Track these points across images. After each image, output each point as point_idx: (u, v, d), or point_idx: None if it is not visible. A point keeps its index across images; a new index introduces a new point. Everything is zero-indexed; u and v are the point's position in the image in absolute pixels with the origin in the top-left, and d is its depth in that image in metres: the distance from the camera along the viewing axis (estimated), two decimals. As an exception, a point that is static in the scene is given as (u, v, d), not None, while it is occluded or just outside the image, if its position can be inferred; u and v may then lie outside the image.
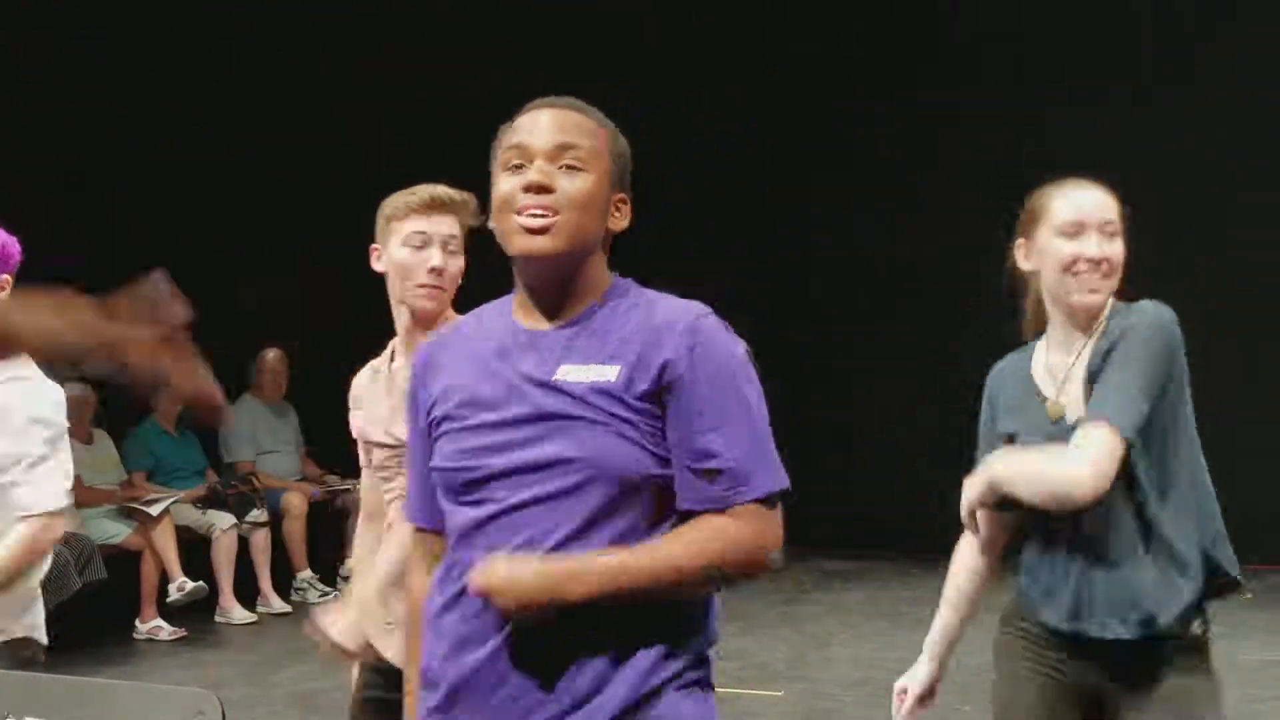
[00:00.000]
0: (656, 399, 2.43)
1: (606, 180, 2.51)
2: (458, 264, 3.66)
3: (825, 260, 11.49)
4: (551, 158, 2.47)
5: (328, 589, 9.97)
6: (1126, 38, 10.42)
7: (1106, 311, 3.34)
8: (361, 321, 11.29)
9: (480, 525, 2.46)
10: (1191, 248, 9.52)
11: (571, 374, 2.45)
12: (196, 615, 9.18)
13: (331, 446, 10.69)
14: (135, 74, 9.64)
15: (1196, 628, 3.47)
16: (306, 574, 10.01)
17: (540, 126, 2.50)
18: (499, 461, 2.45)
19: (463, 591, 2.45)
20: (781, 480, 2.46)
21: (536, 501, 2.42)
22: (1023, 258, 3.43)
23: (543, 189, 2.45)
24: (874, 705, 6.97)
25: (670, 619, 2.47)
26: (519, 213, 2.46)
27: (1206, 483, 3.44)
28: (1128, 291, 3.38)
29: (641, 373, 2.43)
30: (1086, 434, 3.17)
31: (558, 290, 2.51)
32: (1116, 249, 3.32)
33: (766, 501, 2.44)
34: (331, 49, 10.70)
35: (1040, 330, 3.49)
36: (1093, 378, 3.26)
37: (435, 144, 11.40)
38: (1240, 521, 9.68)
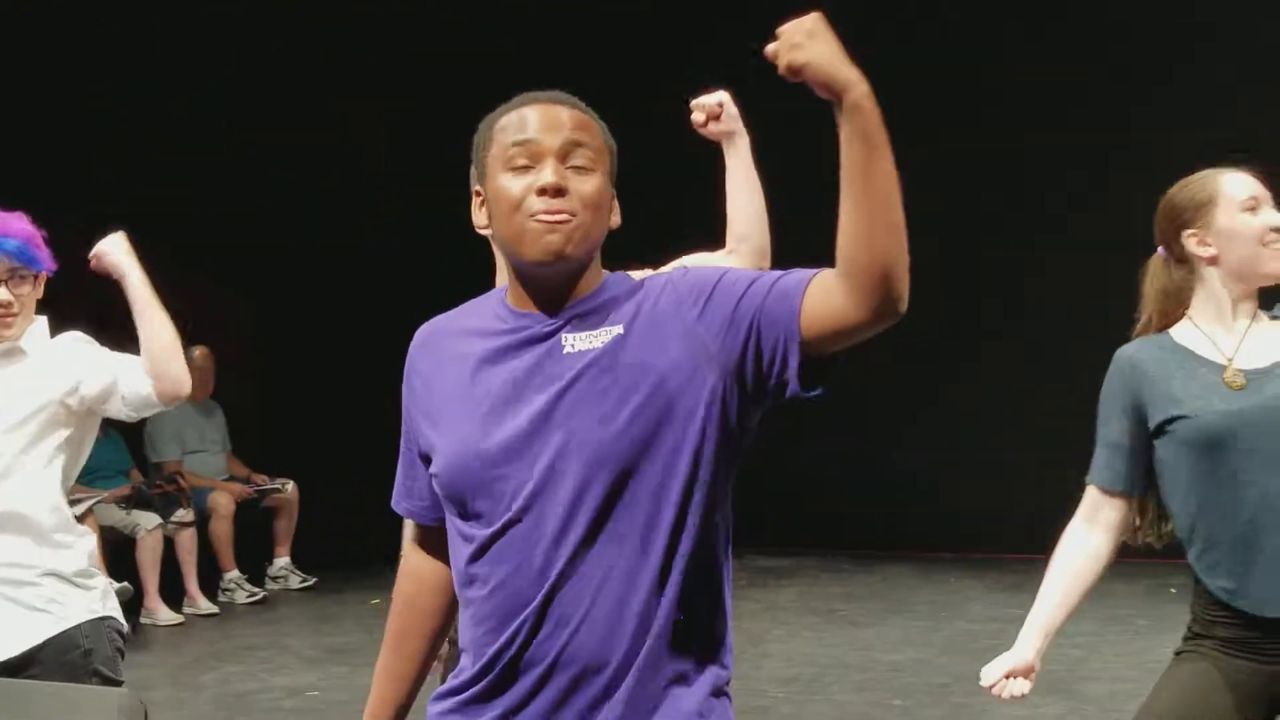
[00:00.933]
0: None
1: (608, 179, 2.43)
2: None
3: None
4: (562, 157, 2.37)
5: (255, 589, 9.89)
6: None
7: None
8: (286, 320, 11.23)
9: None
10: None
11: (577, 342, 2.39)
12: (122, 617, 9.06)
13: (257, 446, 10.64)
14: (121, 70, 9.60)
15: None
16: (234, 574, 9.92)
17: (548, 123, 2.39)
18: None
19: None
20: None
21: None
22: (1196, 245, 3.48)
23: (559, 191, 2.35)
24: (806, 702, 6.99)
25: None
26: (533, 216, 2.35)
27: None
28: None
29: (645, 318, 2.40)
30: None
31: (562, 293, 2.42)
32: None
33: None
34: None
35: (1163, 326, 3.56)
36: None
37: (418, 149, 11.31)
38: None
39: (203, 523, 9.81)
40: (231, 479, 10.33)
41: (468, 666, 2.45)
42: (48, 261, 4.02)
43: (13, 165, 7.99)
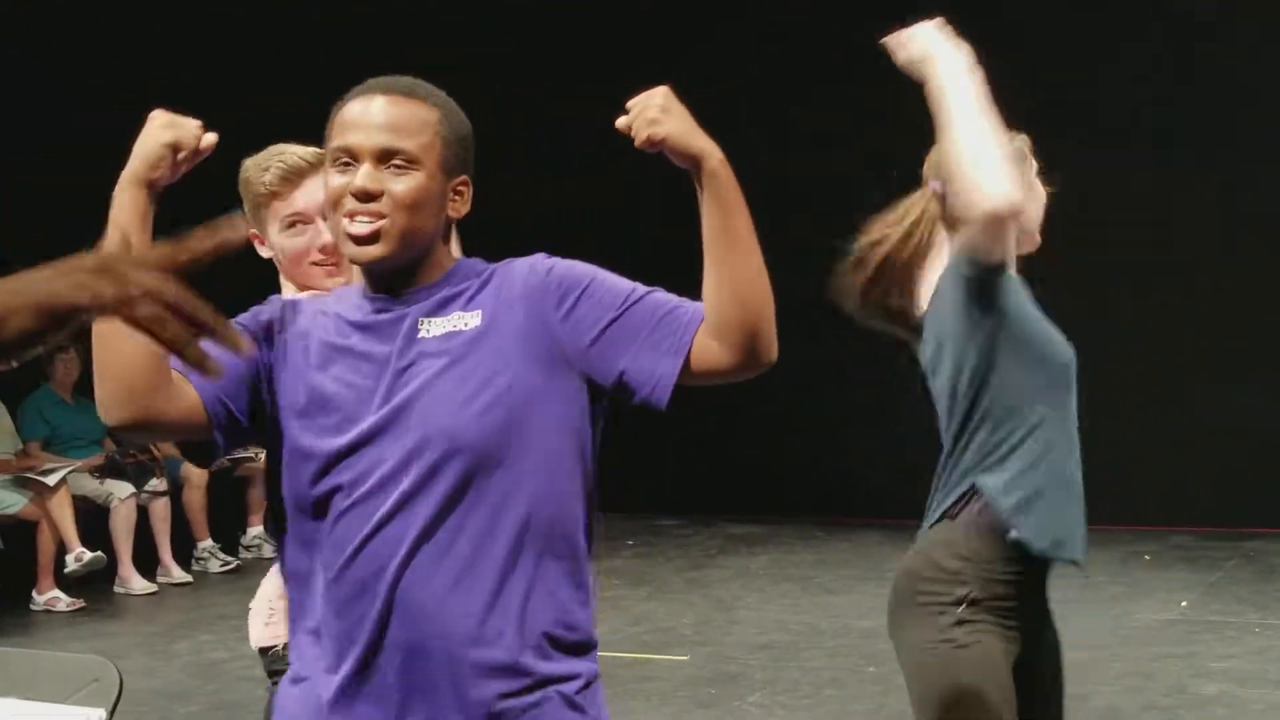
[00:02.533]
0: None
1: (439, 172, 2.40)
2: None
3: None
4: (379, 160, 2.37)
5: (229, 558, 9.87)
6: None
7: None
8: (257, 291, 11.17)
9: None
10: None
11: (432, 328, 2.40)
12: (95, 586, 9.06)
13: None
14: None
15: None
16: (207, 543, 9.91)
17: (367, 124, 2.39)
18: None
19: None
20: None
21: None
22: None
23: (369, 195, 2.36)
24: (779, 669, 7.01)
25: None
26: (349, 217, 2.37)
27: None
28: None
29: (505, 309, 2.40)
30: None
31: (400, 282, 2.43)
32: None
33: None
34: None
35: None
36: None
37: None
38: (1140, 484, 9.79)
39: (176, 492, 9.79)
40: (204, 448, 10.30)
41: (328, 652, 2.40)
42: None
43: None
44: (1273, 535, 9.81)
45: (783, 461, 11.05)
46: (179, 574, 9.51)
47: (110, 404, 2.34)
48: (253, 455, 10.18)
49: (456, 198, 2.45)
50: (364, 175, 2.36)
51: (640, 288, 2.41)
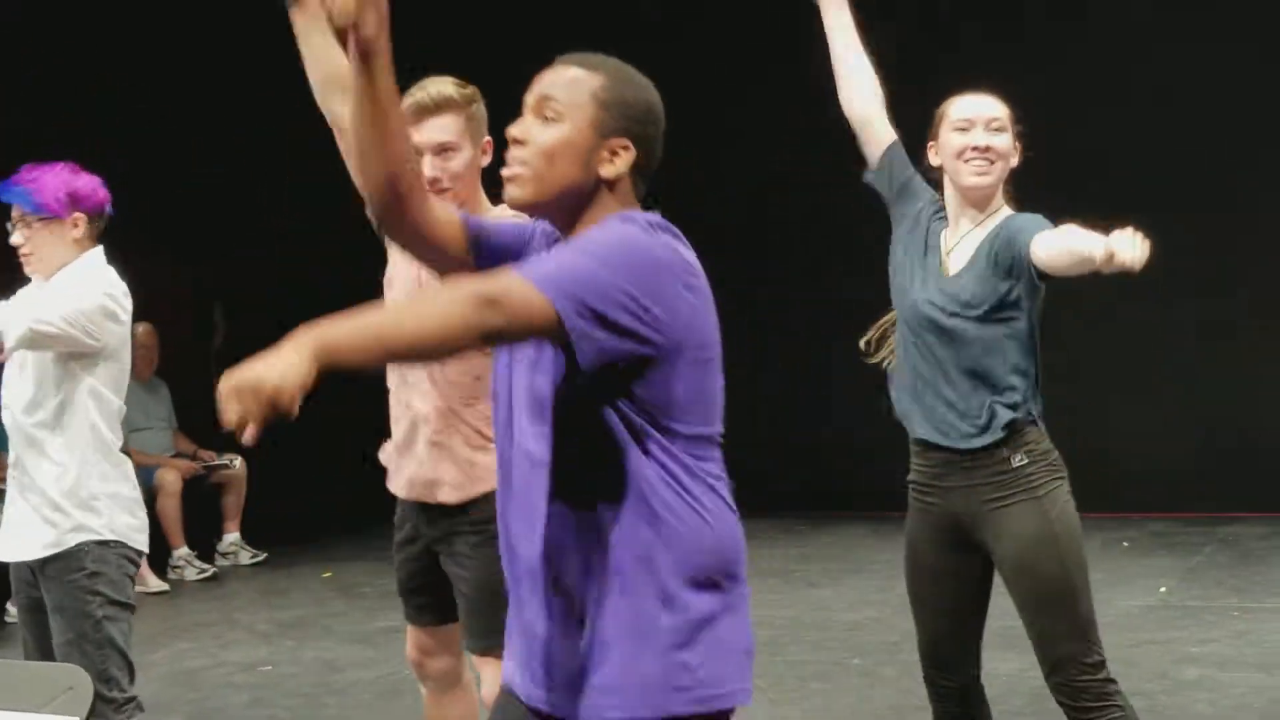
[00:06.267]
0: None
1: (589, 128, 2.58)
2: (459, 161, 3.98)
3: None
4: (535, 111, 2.60)
5: (205, 566, 9.81)
6: None
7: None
8: (231, 296, 11.11)
9: None
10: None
11: None
12: (71, 596, 8.98)
13: (204, 422, 10.56)
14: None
15: None
16: (183, 551, 9.84)
17: (536, 82, 2.63)
18: None
19: None
20: (549, 289, 2.40)
21: None
22: (931, 155, 4.16)
23: (516, 142, 2.59)
24: (764, 663, 6.96)
25: None
26: (505, 161, 2.62)
27: None
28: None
29: None
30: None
31: (564, 229, 2.64)
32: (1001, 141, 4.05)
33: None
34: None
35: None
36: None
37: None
38: (1119, 471, 9.77)
39: (150, 500, 9.69)
40: (178, 456, 10.24)
41: None
42: (52, 205, 4.43)
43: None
44: (1250, 520, 9.84)
45: (764, 456, 11.03)
46: (155, 583, 9.42)
47: (375, 207, 2.63)
48: (227, 462, 10.16)
49: (613, 157, 2.60)
50: (517, 124, 2.60)
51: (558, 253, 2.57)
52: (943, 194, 4.19)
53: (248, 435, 2.18)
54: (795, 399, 11.01)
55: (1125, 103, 9.99)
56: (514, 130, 2.59)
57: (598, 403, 2.52)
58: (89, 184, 4.54)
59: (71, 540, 4.42)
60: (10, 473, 4.58)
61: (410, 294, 3.94)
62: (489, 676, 4.02)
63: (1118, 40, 10.13)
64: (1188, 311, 9.94)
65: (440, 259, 2.70)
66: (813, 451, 10.96)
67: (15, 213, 4.49)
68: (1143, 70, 9.99)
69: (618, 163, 2.60)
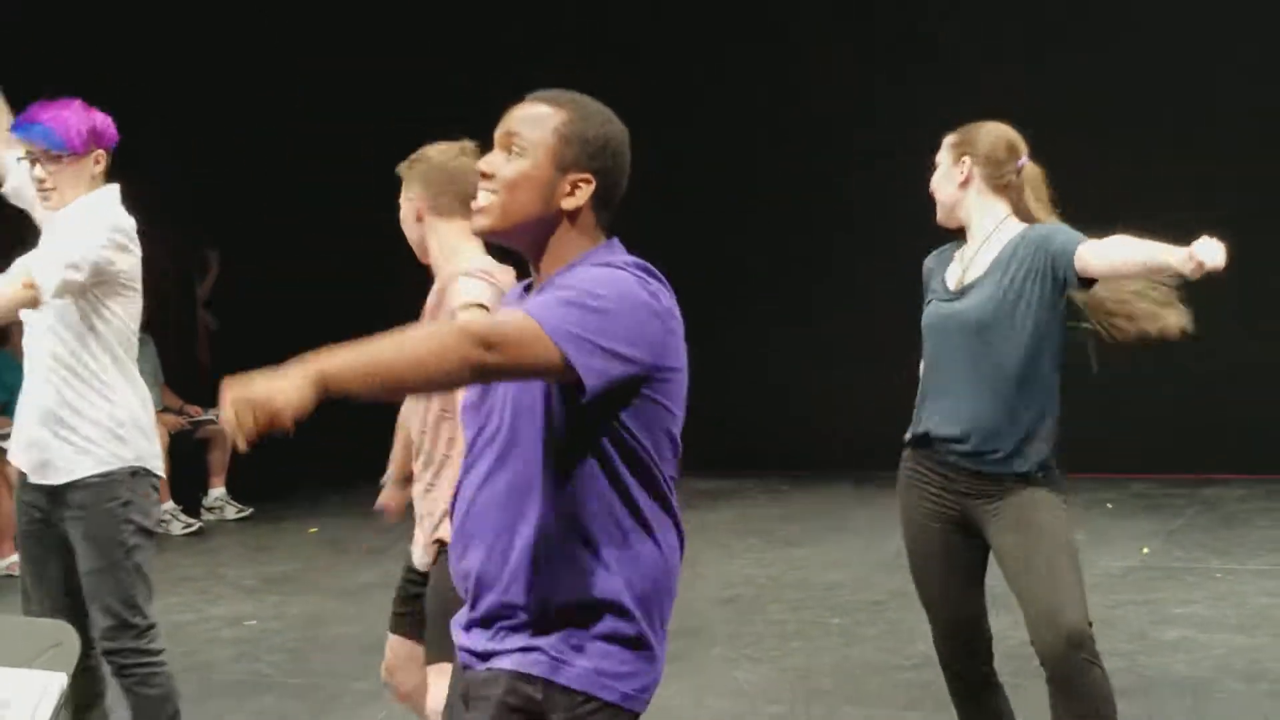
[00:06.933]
0: None
1: (549, 162, 2.71)
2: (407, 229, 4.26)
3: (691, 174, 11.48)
4: (502, 145, 2.74)
5: (191, 520, 9.84)
6: None
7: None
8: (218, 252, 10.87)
9: None
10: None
11: None
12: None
13: (190, 377, 10.58)
14: None
15: None
16: (169, 505, 9.83)
17: (506, 116, 2.76)
18: None
19: None
20: (557, 332, 2.51)
21: None
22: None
23: (484, 175, 2.73)
24: (744, 622, 7.03)
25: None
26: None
27: None
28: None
29: None
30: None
31: (531, 258, 2.78)
32: None
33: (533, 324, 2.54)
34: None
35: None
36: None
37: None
38: (1101, 433, 9.79)
39: (137, 455, 9.72)
40: (165, 411, 10.24)
41: None
42: (74, 142, 4.49)
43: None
44: (1232, 481, 9.88)
45: (745, 417, 11.06)
46: (141, 537, 9.45)
47: None
48: (212, 417, 10.16)
49: (572, 190, 2.72)
50: (486, 158, 2.76)
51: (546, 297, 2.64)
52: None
53: (241, 444, 2.33)
54: (774, 359, 11.02)
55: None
56: (481, 164, 2.75)
57: (574, 434, 2.65)
58: (104, 121, 4.62)
59: (104, 468, 4.46)
60: (29, 399, 4.58)
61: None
62: (437, 687, 4.04)
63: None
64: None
65: None
66: (791, 411, 10.98)
67: (35, 148, 4.53)
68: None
69: (578, 195, 2.73)
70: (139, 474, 4.54)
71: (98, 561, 4.45)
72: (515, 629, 2.69)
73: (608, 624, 2.66)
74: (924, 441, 4.34)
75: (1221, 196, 9.15)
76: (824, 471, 10.67)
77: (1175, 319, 4.18)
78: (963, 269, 4.33)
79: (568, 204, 2.73)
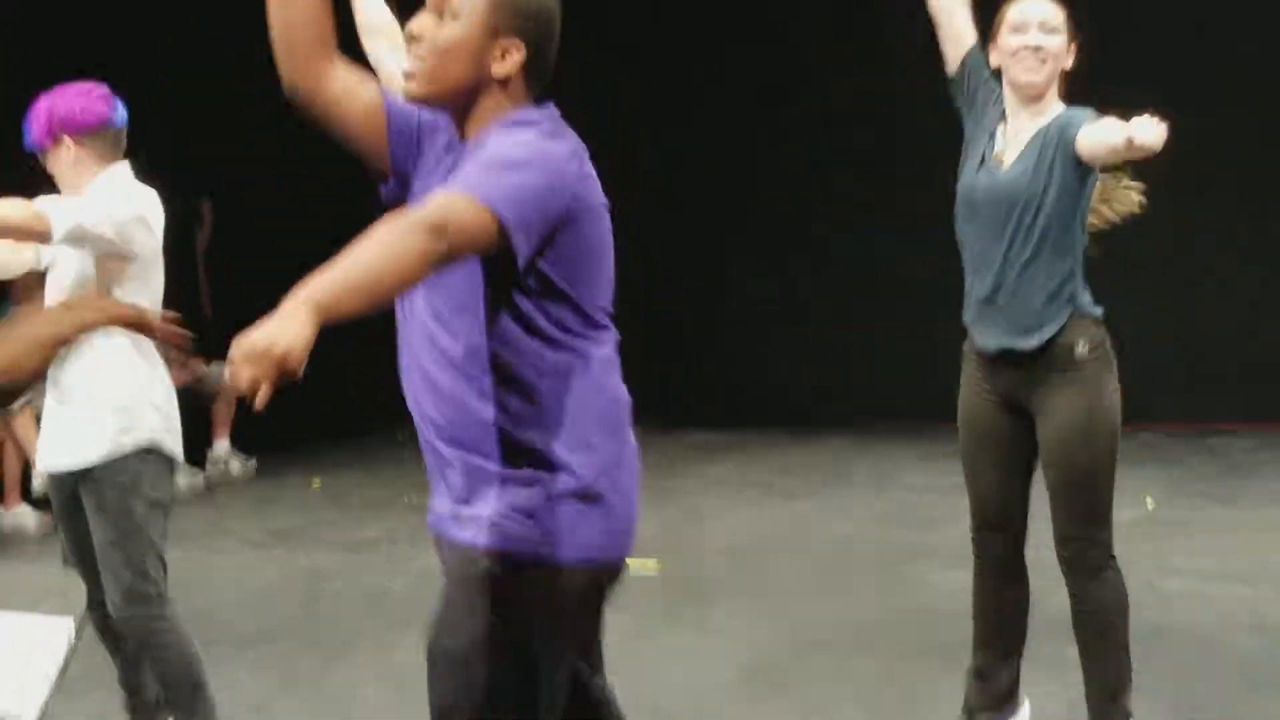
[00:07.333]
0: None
1: (481, 27, 2.68)
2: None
3: (690, 137, 11.43)
4: (434, 8, 2.71)
5: (195, 468, 9.84)
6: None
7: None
8: (218, 204, 11.08)
9: None
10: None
11: None
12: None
13: (194, 330, 10.55)
14: None
15: None
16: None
17: None
18: None
19: None
20: (489, 200, 2.48)
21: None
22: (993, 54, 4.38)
23: (413, 38, 2.70)
24: (746, 573, 7.02)
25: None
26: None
27: None
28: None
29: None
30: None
31: (458, 122, 2.76)
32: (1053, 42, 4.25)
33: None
34: None
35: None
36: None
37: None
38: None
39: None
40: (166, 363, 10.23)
41: None
42: (41, 139, 4.47)
43: None
44: (1239, 432, 9.87)
45: (745, 370, 11.05)
46: (145, 491, 9.45)
47: (280, 68, 2.78)
48: (217, 374, 10.14)
49: (503, 56, 2.70)
50: (416, 19, 2.72)
51: (476, 161, 2.60)
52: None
53: (260, 399, 2.23)
54: (773, 312, 11.01)
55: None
56: (412, 26, 2.70)
57: (508, 290, 2.65)
58: (70, 106, 4.49)
59: (114, 447, 4.45)
60: (50, 384, 4.59)
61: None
62: None
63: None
64: (1172, 225, 9.92)
65: (358, 135, 2.84)
66: (792, 364, 10.97)
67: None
68: None
69: (508, 62, 2.71)
70: (149, 451, 4.53)
71: (109, 533, 4.46)
72: (467, 493, 2.75)
73: (551, 481, 2.72)
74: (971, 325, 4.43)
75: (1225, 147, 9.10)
76: (823, 425, 10.66)
77: (1126, 197, 4.38)
78: (1005, 142, 4.34)
79: (498, 70, 2.71)
